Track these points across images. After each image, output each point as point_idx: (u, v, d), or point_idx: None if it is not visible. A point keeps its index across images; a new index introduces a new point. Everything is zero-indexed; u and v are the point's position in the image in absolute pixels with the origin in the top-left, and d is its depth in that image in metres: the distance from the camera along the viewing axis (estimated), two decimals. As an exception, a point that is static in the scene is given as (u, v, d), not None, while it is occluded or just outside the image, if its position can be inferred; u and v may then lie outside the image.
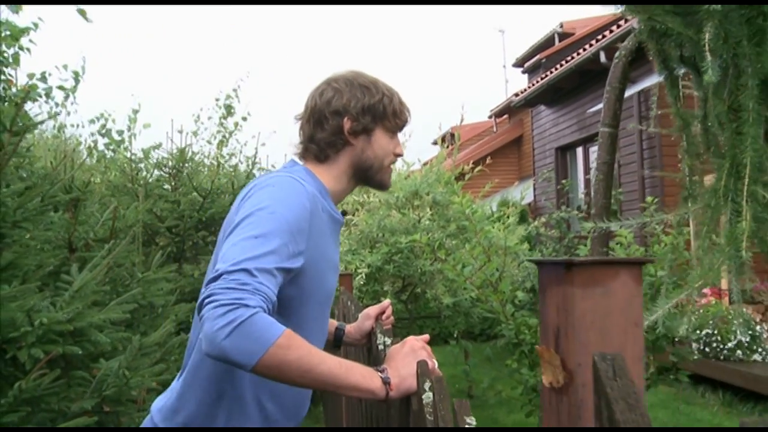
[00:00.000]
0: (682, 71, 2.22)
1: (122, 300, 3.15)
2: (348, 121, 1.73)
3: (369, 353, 2.18)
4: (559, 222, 5.27)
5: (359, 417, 2.86)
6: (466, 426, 1.12)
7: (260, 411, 1.65)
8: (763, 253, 1.85)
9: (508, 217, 6.03)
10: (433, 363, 1.49)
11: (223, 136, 9.76)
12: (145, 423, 1.77)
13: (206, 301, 1.33)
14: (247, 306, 1.30)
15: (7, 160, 2.64)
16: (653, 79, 8.08)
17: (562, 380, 0.63)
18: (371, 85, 1.78)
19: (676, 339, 4.22)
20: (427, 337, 1.65)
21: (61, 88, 5.99)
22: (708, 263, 1.74)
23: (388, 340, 1.85)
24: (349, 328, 2.18)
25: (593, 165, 11.78)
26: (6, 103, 3.95)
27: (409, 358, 1.50)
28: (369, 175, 1.82)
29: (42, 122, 3.27)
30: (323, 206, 1.66)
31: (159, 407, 1.72)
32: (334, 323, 2.19)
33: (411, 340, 1.59)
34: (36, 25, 4.25)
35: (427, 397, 1.34)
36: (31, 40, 4.21)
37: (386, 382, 1.45)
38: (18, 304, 2.61)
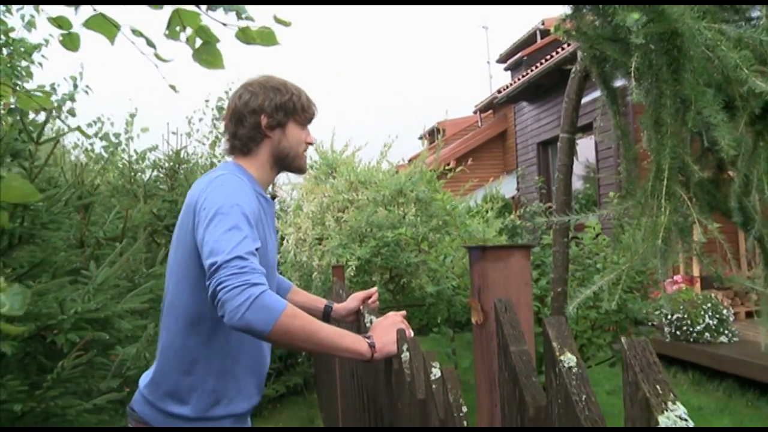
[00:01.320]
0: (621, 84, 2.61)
1: (139, 292, 3.52)
2: (264, 118, 2.06)
3: (358, 330, 2.55)
4: (532, 215, 5.68)
5: (352, 391, 3.24)
6: (433, 376, 1.50)
7: (227, 371, 2.03)
8: (683, 240, 2.25)
9: (486, 211, 6.43)
10: (410, 331, 1.88)
11: (216, 137, 10.10)
12: (135, 397, 2.13)
13: (219, 288, 1.69)
14: (255, 285, 1.68)
15: (40, 169, 3.00)
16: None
17: (482, 319, 1.01)
18: (281, 86, 2.10)
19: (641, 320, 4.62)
20: (404, 312, 2.03)
21: (70, 98, 6.31)
22: (634, 250, 2.14)
23: (374, 318, 2.23)
24: (337, 306, 2.54)
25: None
26: (19, 116, 4.29)
27: (390, 328, 1.89)
28: (287, 162, 2.15)
29: (65, 134, 3.62)
30: (254, 194, 2.02)
31: (145, 383, 2.10)
32: (323, 301, 2.56)
33: (391, 314, 1.98)
34: (47, 41, 4.60)
35: (405, 356, 1.72)
36: (43, 56, 4.56)
37: (371, 346, 1.84)
38: (52, 296, 2.98)
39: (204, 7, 0.90)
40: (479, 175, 21.47)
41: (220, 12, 0.89)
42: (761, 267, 2.64)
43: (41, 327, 2.88)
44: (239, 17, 0.88)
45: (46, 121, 3.20)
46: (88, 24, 1.00)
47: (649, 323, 8.32)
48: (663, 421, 0.52)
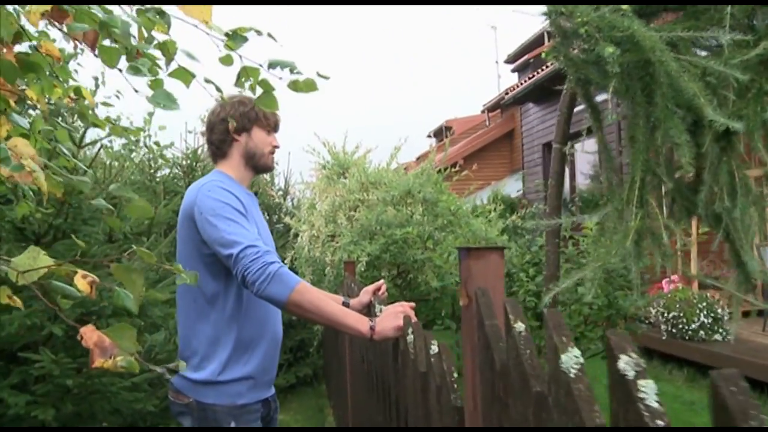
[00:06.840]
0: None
1: (167, 283, 3.87)
2: (231, 124, 2.46)
3: (369, 317, 2.89)
4: (532, 216, 5.98)
5: (362, 374, 3.57)
6: (432, 351, 1.83)
7: (243, 341, 2.38)
8: (655, 244, 2.57)
9: (490, 212, 6.75)
10: (415, 319, 2.20)
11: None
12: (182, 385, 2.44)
13: (246, 273, 2.09)
14: (272, 263, 2.09)
15: (87, 169, 3.33)
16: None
17: (467, 302, 1.34)
18: (245, 99, 2.51)
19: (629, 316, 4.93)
20: (412, 304, 2.37)
21: (104, 104, 6.60)
22: (608, 251, 2.46)
23: (383, 307, 2.57)
24: (353, 301, 2.88)
25: (575, 159, 12.48)
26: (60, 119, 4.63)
27: (392, 315, 2.22)
28: (255, 161, 2.54)
29: (103, 138, 3.96)
30: (238, 191, 2.39)
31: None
32: (340, 298, 2.90)
33: (398, 304, 2.31)
34: (83, 49, 4.92)
35: (410, 338, 2.06)
36: (79, 63, 4.89)
37: (372, 327, 2.18)
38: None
39: (265, 65, 1.23)
40: (487, 174, 21.78)
41: (278, 69, 1.21)
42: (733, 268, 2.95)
43: (84, 313, 3.23)
44: (291, 72, 1.19)
45: (87, 128, 3.53)
46: (172, 74, 1.34)
47: (647, 321, 8.66)
48: (564, 358, 0.85)
